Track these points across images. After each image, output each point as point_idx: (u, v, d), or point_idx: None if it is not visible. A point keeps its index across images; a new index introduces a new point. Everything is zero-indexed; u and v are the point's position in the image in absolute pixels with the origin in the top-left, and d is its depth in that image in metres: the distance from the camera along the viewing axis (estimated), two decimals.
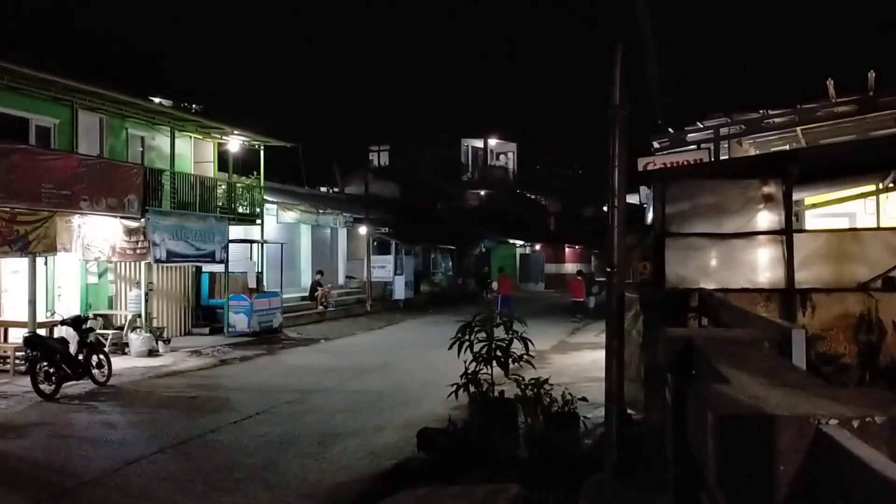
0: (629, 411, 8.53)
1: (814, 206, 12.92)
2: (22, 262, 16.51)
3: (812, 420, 1.68)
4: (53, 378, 13.11)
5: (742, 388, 2.07)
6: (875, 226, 11.00)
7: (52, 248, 16.77)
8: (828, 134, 15.39)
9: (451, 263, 42.59)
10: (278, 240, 26.72)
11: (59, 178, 16.45)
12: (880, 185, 10.72)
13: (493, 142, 56.73)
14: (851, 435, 1.62)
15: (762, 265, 8.58)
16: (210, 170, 24.75)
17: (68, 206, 16.89)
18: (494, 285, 32.32)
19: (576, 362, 17.38)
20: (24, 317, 15.88)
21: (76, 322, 14.57)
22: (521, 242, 51.26)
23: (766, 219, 8.64)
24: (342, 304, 30.48)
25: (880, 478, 1.38)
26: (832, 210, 12.93)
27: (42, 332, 15.17)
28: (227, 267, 22.48)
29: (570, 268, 49.57)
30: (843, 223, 12.80)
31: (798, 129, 15.49)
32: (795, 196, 9.58)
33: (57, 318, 16.31)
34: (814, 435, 1.66)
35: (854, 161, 9.93)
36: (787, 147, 16.09)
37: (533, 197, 62.24)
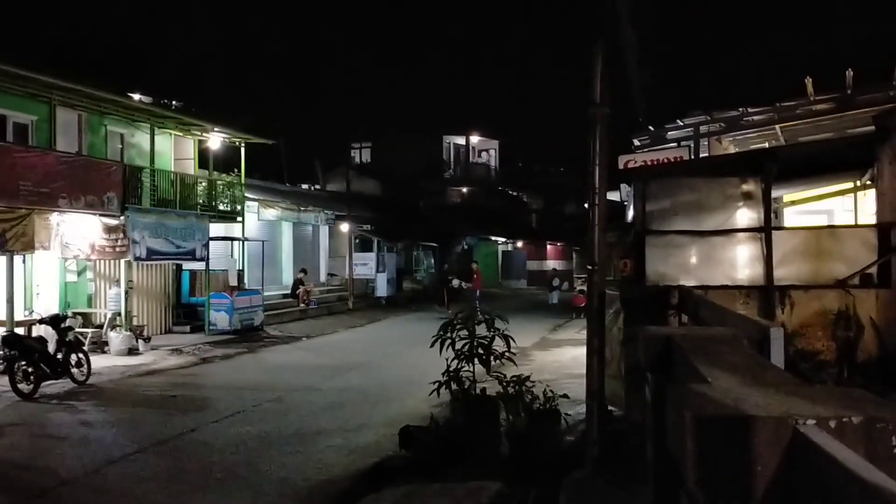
0: (610, 408, 8.55)
1: (793, 203, 13.02)
2: None
3: (790, 420, 1.68)
4: (32, 377, 12.99)
5: (720, 387, 2.08)
6: (853, 223, 11.09)
7: (30, 247, 16.61)
8: (806, 131, 15.50)
9: (433, 261, 42.58)
10: (259, 237, 26.62)
11: (37, 175, 16.29)
12: (858, 183, 10.80)
13: (474, 139, 56.70)
14: (828, 435, 1.63)
15: (741, 262, 8.64)
16: (190, 167, 24.60)
17: (46, 204, 16.73)
18: (455, 282, 32.70)
19: (557, 359, 17.42)
20: (1, 316, 15.73)
21: (55, 321, 14.44)
22: (502, 239, 51.32)
23: (745, 216, 8.70)
24: (324, 301, 30.40)
25: (857, 478, 1.39)
26: (811, 207, 13.03)
27: (20, 330, 15.04)
28: (207, 265, 22.37)
29: (551, 264, 49.66)
30: (822, 220, 12.90)
31: (777, 126, 15.58)
32: (774, 193, 9.65)
33: (35, 316, 16.17)
34: (791, 435, 1.66)
35: (832, 158, 10.01)
36: (767, 144, 16.19)
37: (515, 194, 62.31)
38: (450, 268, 38.05)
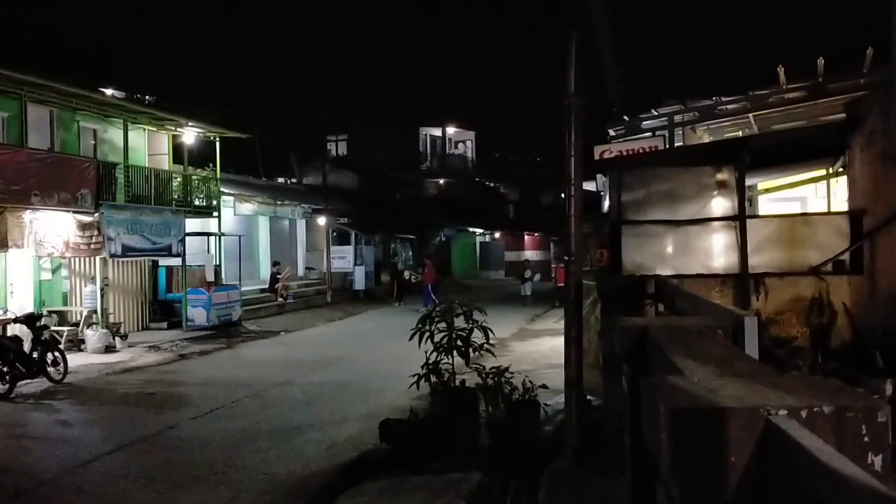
0: (589, 397, 8.60)
1: (767, 191, 13.13)
2: None
3: (762, 411, 1.71)
4: (7, 377, 12.87)
5: (694, 378, 2.10)
6: (826, 210, 11.21)
7: (2, 245, 16.44)
8: (779, 120, 15.63)
9: (411, 253, 42.53)
10: (236, 232, 26.47)
11: (9, 172, 16.11)
12: (830, 170, 10.91)
13: (451, 130, 56.68)
14: (800, 425, 1.65)
15: (716, 251, 8.71)
16: (165, 162, 24.40)
17: (19, 202, 16.56)
18: (406, 274, 32.52)
19: (536, 349, 17.50)
20: None
21: (30, 319, 14.32)
22: (480, 230, 51.37)
23: (720, 205, 8.77)
24: (302, 295, 30.28)
25: (826, 468, 1.41)
26: (785, 195, 13.15)
27: None
28: (184, 260, 22.23)
29: (529, 255, 49.78)
30: (796, 207, 13.02)
31: (750, 115, 15.71)
32: (748, 182, 9.74)
33: (10, 315, 16.01)
34: (763, 426, 1.69)
35: (805, 146, 10.11)
36: (740, 133, 16.32)
37: (492, 185, 62.37)
38: (401, 260, 37.77)
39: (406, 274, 32.81)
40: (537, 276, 35.64)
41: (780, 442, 1.61)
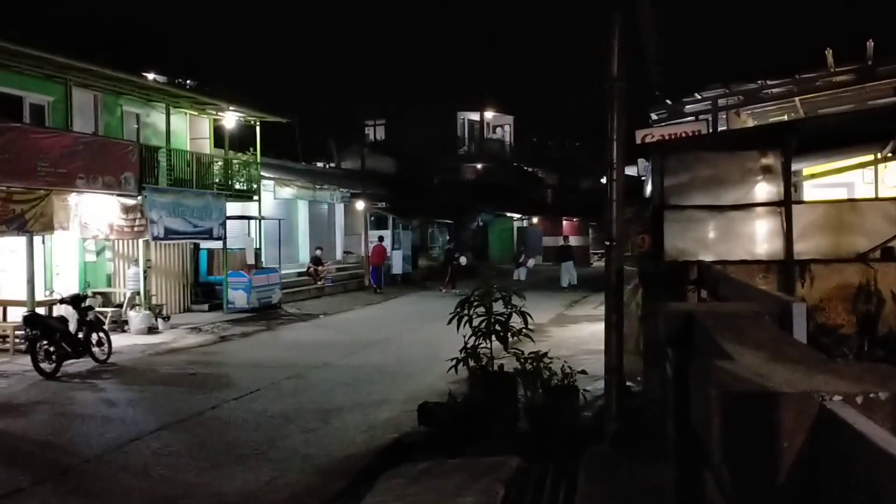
0: (628, 383, 8.56)
1: (812, 176, 12.88)
2: (19, 242, 16.48)
3: (816, 396, 1.67)
4: (54, 357, 13.14)
5: (744, 363, 2.07)
6: (873, 196, 10.97)
7: (49, 227, 16.74)
8: (826, 104, 15.32)
9: (448, 237, 42.56)
10: (276, 216, 26.70)
11: (55, 156, 16.39)
12: (879, 155, 10.67)
13: (489, 115, 56.41)
14: (855, 411, 1.62)
15: (761, 237, 8.57)
16: (206, 146, 24.66)
17: (64, 185, 16.85)
18: (462, 259, 32.25)
19: (575, 335, 17.42)
20: (22, 296, 15.89)
21: (75, 300, 14.57)
22: (518, 215, 51.19)
23: (764, 190, 8.62)
24: (340, 279, 30.48)
25: (884, 455, 1.38)
26: (831, 180, 12.90)
27: (41, 310, 15.18)
28: (225, 243, 22.49)
29: (570, 240, 49.36)
30: (842, 193, 12.76)
31: (797, 99, 15.41)
32: (794, 167, 9.56)
33: (56, 296, 16.31)
34: (817, 411, 1.65)
35: (853, 131, 9.89)
36: (786, 117, 16.03)
37: (530, 170, 62.03)
38: (458, 244, 37.42)
39: (463, 260, 32.63)
40: (531, 262, 35.08)
41: (835, 428, 1.58)
